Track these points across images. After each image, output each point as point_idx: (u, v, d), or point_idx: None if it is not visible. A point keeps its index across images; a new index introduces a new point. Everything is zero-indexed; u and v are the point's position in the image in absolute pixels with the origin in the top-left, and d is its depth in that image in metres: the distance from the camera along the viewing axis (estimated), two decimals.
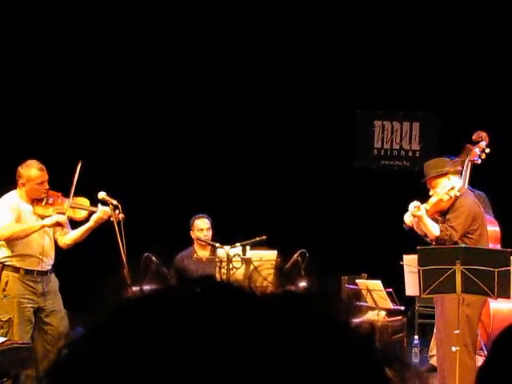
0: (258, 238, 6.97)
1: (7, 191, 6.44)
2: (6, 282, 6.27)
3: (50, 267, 6.48)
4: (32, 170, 6.37)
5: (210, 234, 7.85)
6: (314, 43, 10.31)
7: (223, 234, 7.45)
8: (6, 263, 6.30)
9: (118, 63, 9.90)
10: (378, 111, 10.86)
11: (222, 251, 6.85)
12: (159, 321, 0.71)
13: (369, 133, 10.93)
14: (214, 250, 7.27)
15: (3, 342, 5.78)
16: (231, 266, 6.73)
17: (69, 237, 6.54)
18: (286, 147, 10.34)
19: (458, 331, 6.14)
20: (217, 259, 6.88)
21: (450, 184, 6.42)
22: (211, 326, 0.70)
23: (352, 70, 10.26)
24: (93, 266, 7.20)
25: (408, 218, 6.53)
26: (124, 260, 6.30)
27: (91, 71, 9.76)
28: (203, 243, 7.78)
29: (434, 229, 6.36)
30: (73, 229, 6.58)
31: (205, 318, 0.70)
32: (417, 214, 6.34)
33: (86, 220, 6.52)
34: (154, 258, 7.01)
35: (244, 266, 6.69)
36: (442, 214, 6.50)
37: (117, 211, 6.46)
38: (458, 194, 6.36)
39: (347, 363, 0.71)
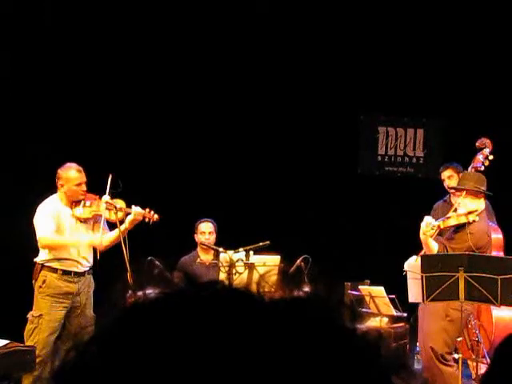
0: (261, 243, 6.96)
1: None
2: (44, 281, 6.51)
3: (88, 269, 6.69)
4: (71, 172, 6.61)
5: (212, 237, 7.86)
6: (317, 49, 10.31)
7: (227, 239, 7.45)
8: (45, 264, 6.54)
9: (119, 63, 9.89)
10: (381, 117, 10.86)
11: (225, 256, 6.85)
12: (167, 325, 0.71)
13: (373, 139, 10.92)
14: (217, 254, 7.27)
15: (6, 345, 5.79)
16: (234, 271, 6.73)
17: (106, 238, 6.71)
18: (289, 153, 10.33)
19: (460, 339, 6.23)
20: (220, 264, 6.88)
21: (475, 206, 6.39)
22: (219, 330, 0.70)
23: (356, 76, 10.25)
24: (96, 269, 7.19)
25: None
26: (127, 264, 6.34)
27: (94, 73, 9.76)
28: (205, 247, 7.79)
29: (432, 248, 6.43)
30: (110, 230, 6.78)
31: (213, 322, 0.70)
32: (427, 234, 6.34)
33: (122, 221, 6.65)
34: (157, 262, 7.02)
35: (247, 270, 6.70)
36: (453, 230, 6.52)
37: (120, 213, 6.58)
38: (477, 219, 6.34)
39: (354, 370, 0.71)
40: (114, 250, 6.56)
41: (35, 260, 6.58)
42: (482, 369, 6.44)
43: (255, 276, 6.60)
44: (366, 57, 10.25)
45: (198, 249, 7.95)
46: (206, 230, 7.89)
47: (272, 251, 6.82)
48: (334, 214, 10.20)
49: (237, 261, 6.74)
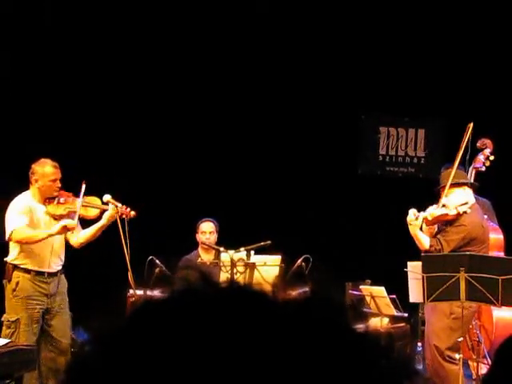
0: (262, 243, 6.96)
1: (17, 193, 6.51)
2: (17, 283, 6.35)
3: (60, 268, 6.55)
4: (46, 167, 6.46)
5: (213, 237, 7.86)
6: (318, 48, 10.30)
7: (228, 239, 7.45)
8: (18, 265, 6.38)
9: (119, 63, 9.89)
10: (383, 117, 10.86)
11: (226, 255, 6.85)
12: (187, 324, 0.72)
13: (374, 139, 10.92)
14: (218, 253, 7.27)
15: (7, 344, 5.79)
16: (235, 271, 6.73)
17: (81, 235, 6.59)
18: (290, 153, 10.34)
19: (461, 339, 6.22)
20: (221, 263, 6.88)
21: (463, 198, 6.39)
22: (233, 332, 0.70)
23: (357, 76, 10.26)
24: (97, 269, 7.20)
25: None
26: (128, 263, 6.32)
27: (94, 73, 9.76)
28: (206, 247, 7.80)
29: (424, 241, 6.42)
30: (84, 227, 6.63)
31: (228, 323, 0.71)
32: (412, 224, 6.36)
33: (98, 218, 6.57)
34: (158, 262, 7.02)
35: (248, 270, 6.70)
36: (445, 223, 6.50)
37: (123, 207, 6.49)
38: (469, 211, 6.33)
39: (366, 371, 0.72)
40: (115, 250, 6.53)
41: (6, 259, 6.41)
42: (483, 369, 6.44)
43: (257, 275, 6.61)
44: (368, 57, 10.26)
45: (199, 248, 7.96)
46: (206, 230, 7.89)
47: (273, 251, 6.82)
48: (334, 214, 10.20)
49: (238, 260, 6.74)
